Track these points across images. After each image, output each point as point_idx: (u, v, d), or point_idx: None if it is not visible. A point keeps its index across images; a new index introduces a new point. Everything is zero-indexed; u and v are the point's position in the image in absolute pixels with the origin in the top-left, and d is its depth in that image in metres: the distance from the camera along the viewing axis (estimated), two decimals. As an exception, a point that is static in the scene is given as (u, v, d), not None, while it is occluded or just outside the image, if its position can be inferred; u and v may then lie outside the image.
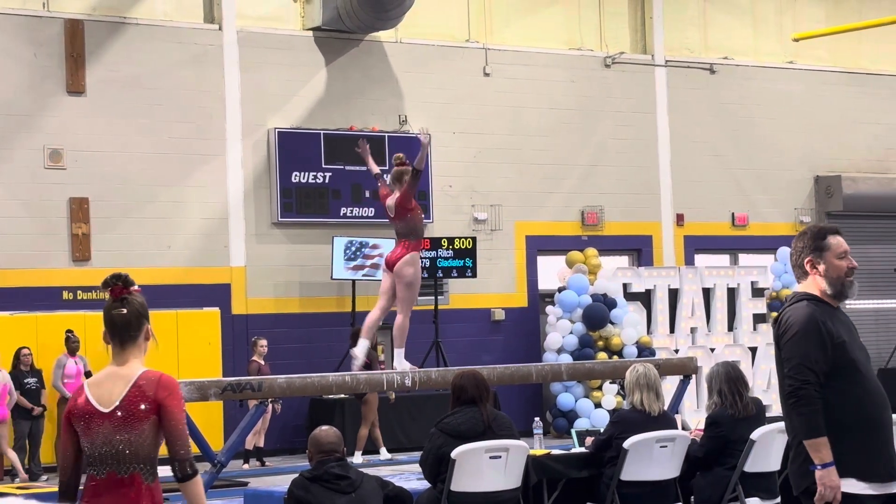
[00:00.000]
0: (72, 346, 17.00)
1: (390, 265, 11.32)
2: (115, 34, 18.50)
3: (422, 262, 19.51)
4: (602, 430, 9.96)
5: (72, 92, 18.20)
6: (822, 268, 5.85)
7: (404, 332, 11.35)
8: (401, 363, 11.28)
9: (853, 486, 5.73)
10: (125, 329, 5.12)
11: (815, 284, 5.85)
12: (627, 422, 9.47)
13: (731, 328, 21.15)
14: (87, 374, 16.69)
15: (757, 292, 21.32)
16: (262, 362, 17.48)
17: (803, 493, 5.83)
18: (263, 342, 17.72)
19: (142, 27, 18.70)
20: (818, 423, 5.67)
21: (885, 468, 5.84)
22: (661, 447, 9.30)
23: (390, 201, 11.32)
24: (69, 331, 17.04)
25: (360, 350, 11.55)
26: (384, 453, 17.71)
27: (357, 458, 17.09)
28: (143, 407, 5.05)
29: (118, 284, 5.15)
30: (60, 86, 18.15)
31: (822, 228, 5.98)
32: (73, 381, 16.81)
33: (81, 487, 5.17)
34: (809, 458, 5.72)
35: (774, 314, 5.86)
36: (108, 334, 5.13)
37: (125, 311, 5.11)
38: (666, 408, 9.85)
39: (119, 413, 5.04)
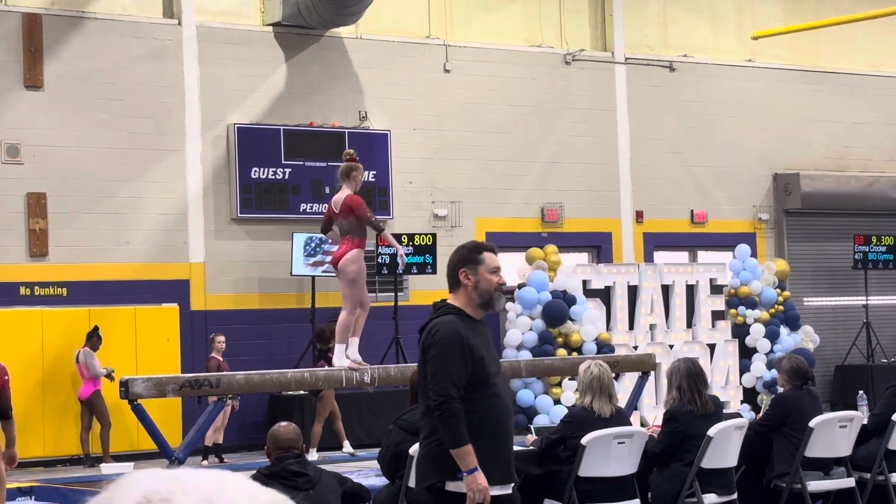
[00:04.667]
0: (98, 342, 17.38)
1: (335, 263, 11.36)
2: (73, 29, 18.40)
3: (381, 258, 19.66)
4: (553, 430, 9.93)
5: (29, 86, 18.08)
6: (473, 279, 6.30)
7: (345, 328, 11.32)
8: (341, 360, 11.25)
9: None
10: None
11: (466, 295, 6.33)
12: (579, 421, 9.46)
13: (689, 325, 21.22)
14: None
15: (716, 289, 21.39)
16: (221, 359, 17.43)
17: (427, 488, 6.44)
18: (221, 338, 17.67)
19: (100, 22, 18.61)
20: (462, 432, 6.21)
21: (503, 471, 6.52)
22: (618, 444, 9.32)
23: (338, 197, 11.37)
24: (96, 327, 17.34)
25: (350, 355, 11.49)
26: (347, 447, 17.67)
27: (312, 456, 17.00)
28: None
29: None
30: (18, 80, 18.04)
31: (479, 244, 6.53)
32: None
33: None
34: (435, 456, 6.31)
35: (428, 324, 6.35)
36: None
37: None
38: (623, 405, 9.86)
39: None
